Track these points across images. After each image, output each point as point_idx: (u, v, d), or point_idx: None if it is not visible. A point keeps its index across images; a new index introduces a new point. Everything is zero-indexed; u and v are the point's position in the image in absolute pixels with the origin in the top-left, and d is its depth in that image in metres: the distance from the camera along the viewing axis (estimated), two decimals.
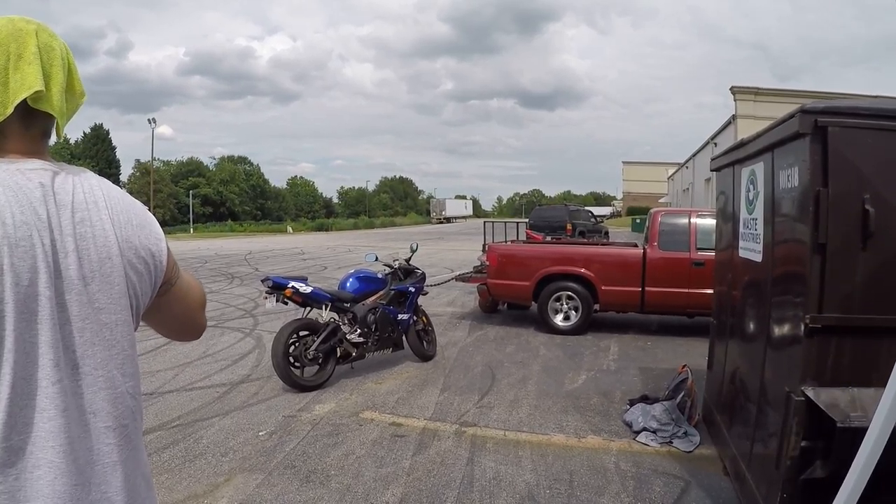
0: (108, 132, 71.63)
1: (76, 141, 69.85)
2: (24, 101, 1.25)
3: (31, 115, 1.28)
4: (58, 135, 1.37)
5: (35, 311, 1.15)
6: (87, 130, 70.49)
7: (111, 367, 1.28)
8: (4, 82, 1.24)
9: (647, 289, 9.57)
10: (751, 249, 4.28)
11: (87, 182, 1.30)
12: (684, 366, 6.16)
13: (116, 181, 70.58)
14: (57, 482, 1.14)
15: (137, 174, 71.06)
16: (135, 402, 1.35)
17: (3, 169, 1.20)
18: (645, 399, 5.93)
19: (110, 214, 1.30)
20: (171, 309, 1.52)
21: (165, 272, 1.43)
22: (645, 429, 5.41)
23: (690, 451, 5.07)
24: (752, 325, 4.29)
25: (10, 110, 1.24)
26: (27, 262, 1.14)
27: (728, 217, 5.14)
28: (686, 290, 9.18)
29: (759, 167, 4.12)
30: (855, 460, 1.60)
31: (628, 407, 5.94)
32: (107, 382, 1.26)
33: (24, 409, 1.13)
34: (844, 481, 1.63)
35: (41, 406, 1.14)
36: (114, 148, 71.64)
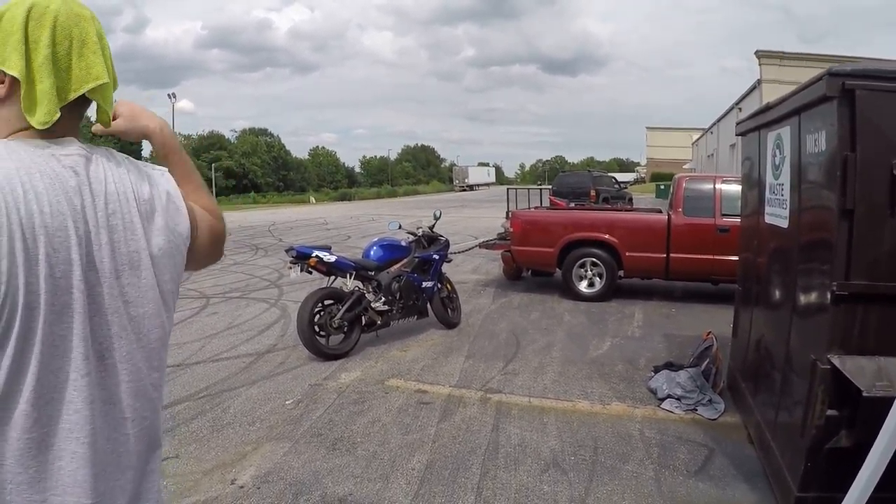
0: None
1: None
2: None
3: (82, 101, 1.27)
4: (106, 124, 1.36)
5: (67, 303, 1.14)
6: None
7: (137, 359, 1.28)
8: (67, 68, 1.21)
9: (671, 255, 9.51)
10: (777, 215, 4.24)
11: (118, 169, 1.29)
12: (709, 333, 6.13)
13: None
14: (78, 472, 1.15)
15: None
16: (157, 394, 1.36)
17: (38, 154, 1.17)
18: (669, 366, 5.92)
19: (138, 206, 1.29)
20: (198, 251, 1.50)
21: (190, 236, 1.43)
22: (669, 396, 5.41)
23: (715, 419, 5.06)
24: (777, 293, 4.26)
25: (72, 97, 1.22)
26: (62, 253, 1.13)
27: (754, 182, 5.08)
28: (711, 257, 9.11)
29: (785, 132, 4.06)
30: (882, 430, 1.59)
31: (653, 374, 5.94)
32: (131, 375, 1.27)
33: (49, 403, 1.13)
34: (871, 451, 1.63)
35: (69, 398, 1.15)
36: None
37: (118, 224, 1.24)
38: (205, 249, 1.54)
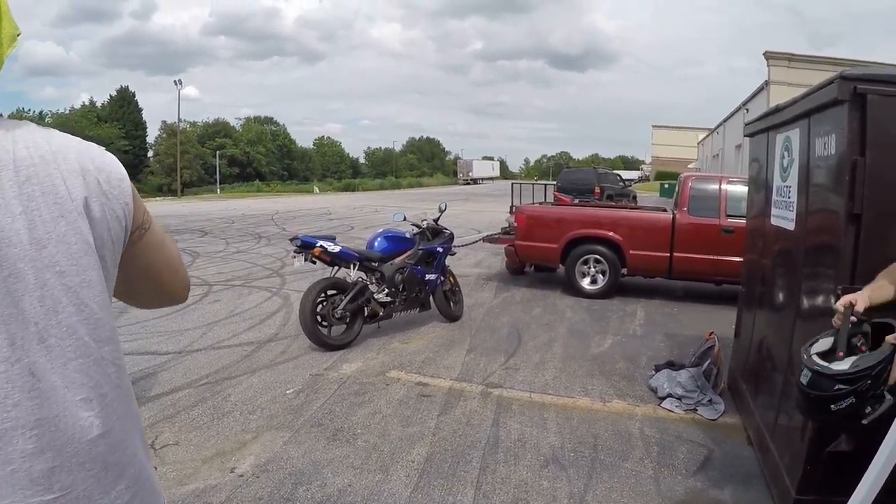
0: (133, 94, 72.00)
1: (102, 104, 70.28)
2: None
3: None
4: None
5: None
6: (113, 93, 70.98)
7: (81, 333, 1.13)
8: None
9: (675, 254, 9.51)
10: (783, 217, 4.23)
11: (30, 136, 1.14)
12: (711, 333, 6.13)
13: (143, 143, 70.58)
14: (34, 469, 1.04)
15: (164, 136, 70.86)
16: (115, 368, 1.21)
17: None
18: (671, 365, 5.93)
19: (59, 167, 1.14)
20: (149, 258, 1.36)
21: (135, 214, 1.27)
22: (670, 395, 5.42)
23: (715, 419, 5.06)
24: (781, 295, 4.26)
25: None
26: None
27: (761, 184, 5.07)
28: (714, 257, 9.11)
29: (794, 134, 4.05)
30: (887, 437, 1.59)
31: (654, 372, 5.94)
32: (77, 351, 1.12)
33: None
34: (875, 458, 1.63)
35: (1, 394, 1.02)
36: (140, 110, 72.03)
37: (34, 191, 1.09)
38: (164, 251, 1.42)
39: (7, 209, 1.05)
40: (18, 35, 1.18)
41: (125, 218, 1.23)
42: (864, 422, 2.15)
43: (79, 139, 1.23)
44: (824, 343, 2.41)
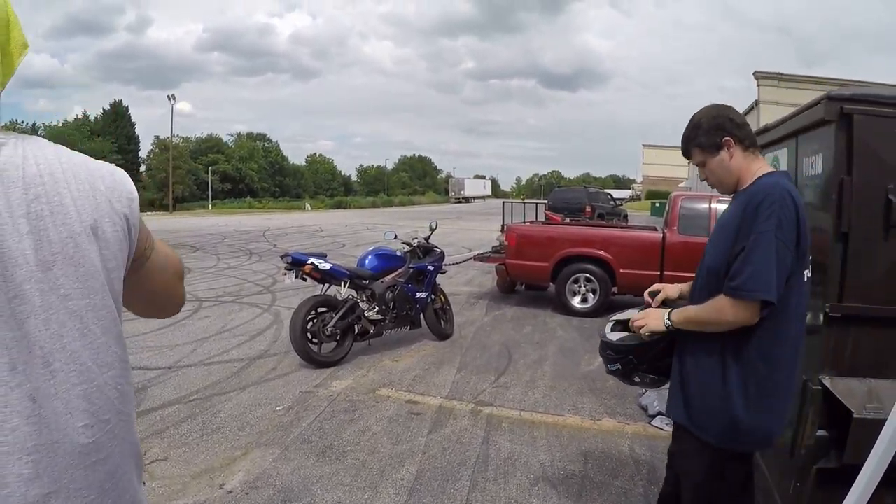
0: (127, 108, 71.95)
1: (95, 118, 70.27)
2: None
3: None
4: None
5: None
6: (107, 107, 70.99)
7: (85, 358, 1.11)
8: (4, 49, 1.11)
9: (665, 273, 9.52)
10: None
11: (41, 152, 1.11)
12: None
13: (136, 157, 70.30)
14: (29, 493, 1.02)
15: (156, 150, 71.03)
16: (118, 393, 1.19)
17: None
18: None
19: (70, 187, 1.11)
20: (148, 283, 1.35)
21: (139, 241, 1.25)
22: (660, 413, 5.41)
23: None
24: None
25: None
26: None
27: None
28: None
29: (782, 153, 4.08)
30: (872, 452, 1.60)
31: (644, 390, 5.94)
32: (81, 377, 1.10)
33: None
34: (861, 472, 1.64)
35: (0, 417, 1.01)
36: (133, 124, 72.04)
37: (43, 210, 1.06)
38: (164, 274, 1.41)
39: (15, 228, 1.03)
40: (27, 49, 1.19)
41: (134, 239, 1.23)
42: (642, 389, 2.64)
43: (90, 159, 1.21)
44: (630, 313, 2.96)
